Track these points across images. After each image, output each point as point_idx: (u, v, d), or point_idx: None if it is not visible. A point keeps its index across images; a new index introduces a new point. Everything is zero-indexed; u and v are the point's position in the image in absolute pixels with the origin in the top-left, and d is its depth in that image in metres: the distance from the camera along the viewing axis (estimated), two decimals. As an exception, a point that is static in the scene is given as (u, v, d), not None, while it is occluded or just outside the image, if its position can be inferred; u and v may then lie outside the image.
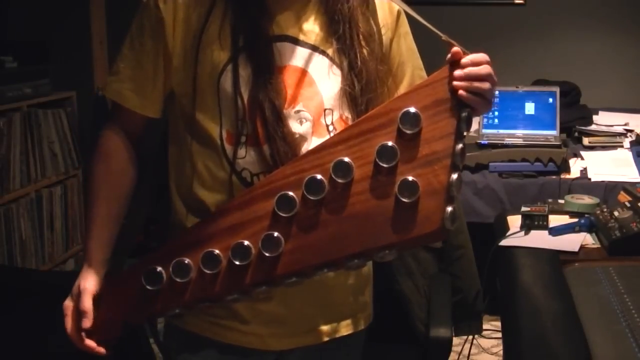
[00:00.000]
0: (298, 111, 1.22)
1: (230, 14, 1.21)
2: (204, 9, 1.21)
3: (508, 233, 1.95)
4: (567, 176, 3.09)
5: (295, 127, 1.21)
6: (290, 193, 1.10)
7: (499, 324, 2.75)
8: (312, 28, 1.24)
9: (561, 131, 3.29)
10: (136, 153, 1.31)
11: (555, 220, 1.99)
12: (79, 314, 1.20)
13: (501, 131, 3.30)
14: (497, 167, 3.13)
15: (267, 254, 1.10)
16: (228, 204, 1.17)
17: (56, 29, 3.47)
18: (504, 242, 1.90)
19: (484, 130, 3.30)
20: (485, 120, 3.33)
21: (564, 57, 4.09)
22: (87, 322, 1.18)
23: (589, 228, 1.92)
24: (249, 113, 1.19)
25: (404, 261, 1.99)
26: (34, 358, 2.05)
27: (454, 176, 1.05)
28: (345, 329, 1.33)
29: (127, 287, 1.19)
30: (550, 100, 3.31)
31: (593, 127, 3.45)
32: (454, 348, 2.08)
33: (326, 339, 1.31)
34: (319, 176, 1.09)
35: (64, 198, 3.42)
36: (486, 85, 1.09)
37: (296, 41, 1.23)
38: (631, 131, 3.43)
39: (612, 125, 3.48)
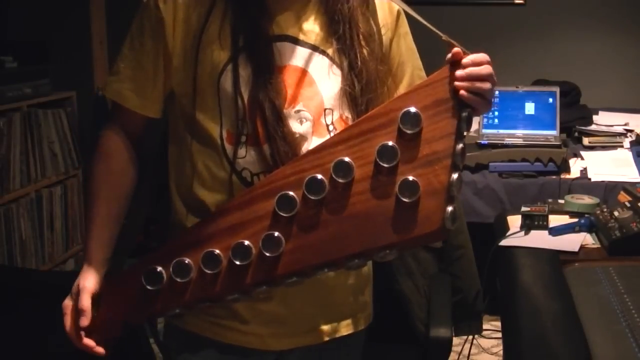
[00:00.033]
0: (298, 111, 1.22)
1: (230, 14, 1.21)
2: (204, 9, 1.21)
3: (508, 233, 1.95)
4: (567, 176, 3.08)
5: (296, 126, 1.21)
6: (291, 193, 1.10)
7: (499, 324, 2.75)
8: (312, 28, 1.24)
9: (561, 131, 3.29)
10: (136, 153, 1.31)
11: (555, 220, 1.99)
12: (77, 312, 1.20)
13: (501, 131, 3.30)
14: (497, 167, 3.13)
15: (267, 254, 1.10)
16: (228, 203, 1.17)
17: (56, 29, 3.47)
18: (504, 242, 1.90)
19: (484, 130, 3.30)
20: (485, 120, 3.33)
21: (564, 57, 4.09)
22: (85, 321, 1.18)
23: (589, 228, 1.92)
24: (249, 113, 1.19)
25: (404, 261, 1.99)
26: (34, 358, 2.05)
27: (455, 176, 1.05)
28: (345, 328, 1.33)
29: (127, 287, 1.19)
30: (550, 100, 3.31)
31: (593, 127, 3.45)
32: (454, 348, 2.08)
33: (326, 338, 1.31)
34: (319, 176, 1.09)
35: (64, 198, 3.42)
36: (487, 85, 1.09)
37: (296, 41, 1.23)
38: (631, 131, 3.43)
39: (612, 125, 3.48)
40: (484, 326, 2.59)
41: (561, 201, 2.15)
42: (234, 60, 1.20)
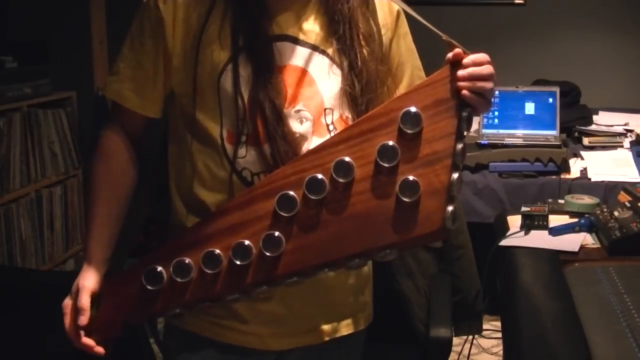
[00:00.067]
0: (298, 110, 1.22)
1: (230, 13, 1.21)
2: (203, 9, 1.21)
3: (508, 233, 1.95)
4: (567, 176, 3.08)
5: (296, 126, 1.21)
6: (291, 193, 1.10)
7: (499, 324, 2.75)
8: (312, 28, 1.24)
9: (561, 131, 3.29)
10: (136, 153, 1.31)
11: (555, 220, 1.99)
12: (76, 311, 1.20)
13: (501, 131, 3.30)
14: (497, 167, 3.13)
15: (268, 254, 1.10)
16: (228, 203, 1.17)
17: (56, 29, 3.47)
18: (504, 242, 1.90)
19: (484, 130, 3.30)
20: (485, 120, 3.33)
21: (564, 57, 4.09)
22: (84, 319, 1.18)
23: (589, 228, 1.92)
24: (249, 112, 1.19)
25: (404, 261, 1.99)
26: (34, 358, 2.05)
27: (455, 176, 1.05)
28: (345, 328, 1.33)
29: (127, 287, 1.19)
30: (550, 100, 3.31)
31: (593, 127, 3.45)
32: (454, 348, 2.08)
33: (326, 338, 1.31)
34: (319, 176, 1.09)
35: (64, 198, 3.42)
36: (489, 84, 1.10)
37: (296, 41, 1.23)
38: (631, 131, 3.43)
39: (612, 125, 3.48)
40: (484, 326, 2.59)
41: (561, 201, 2.15)
42: (234, 60, 1.20)
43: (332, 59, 1.25)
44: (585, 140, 3.34)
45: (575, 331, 1.35)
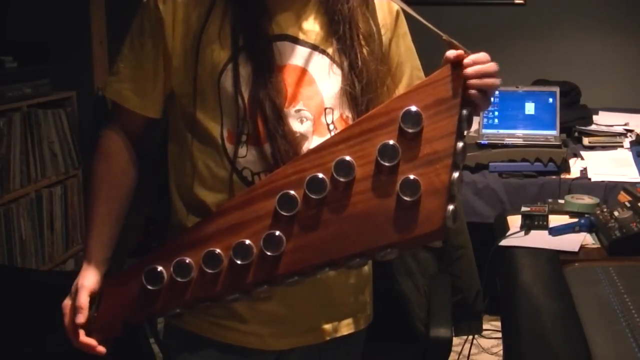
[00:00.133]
0: (298, 110, 1.22)
1: (230, 13, 1.21)
2: (203, 8, 1.21)
3: (508, 233, 1.95)
4: (567, 176, 3.09)
5: (296, 126, 1.21)
6: (292, 192, 1.10)
7: (499, 324, 2.75)
8: (312, 27, 1.25)
9: (561, 131, 3.30)
10: (136, 153, 1.31)
11: (555, 220, 1.99)
12: (75, 310, 1.19)
13: (501, 131, 3.30)
14: (497, 167, 3.13)
15: (268, 253, 1.10)
16: (229, 203, 1.17)
17: (56, 29, 3.47)
18: (504, 242, 1.90)
19: (484, 130, 3.30)
20: (485, 120, 3.33)
21: (564, 57, 4.10)
22: (81, 318, 1.17)
23: (589, 228, 1.92)
24: (249, 112, 1.20)
25: (404, 261, 1.99)
26: (34, 358, 2.05)
27: (455, 175, 1.05)
28: (345, 328, 1.33)
29: (127, 286, 1.19)
30: (550, 100, 3.31)
31: (593, 127, 3.46)
32: (454, 348, 2.08)
33: (326, 338, 1.31)
34: (320, 175, 1.09)
35: (64, 198, 3.42)
36: (497, 81, 1.10)
37: (296, 40, 1.23)
38: (631, 131, 3.43)
39: (612, 125, 3.48)
40: (484, 326, 2.59)
41: (561, 201, 2.15)
42: (234, 60, 1.20)
43: (332, 58, 1.25)
44: (585, 140, 3.34)
45: (575, 331, 1.35)
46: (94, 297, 1.21)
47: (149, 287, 1.16)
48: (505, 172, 3.12)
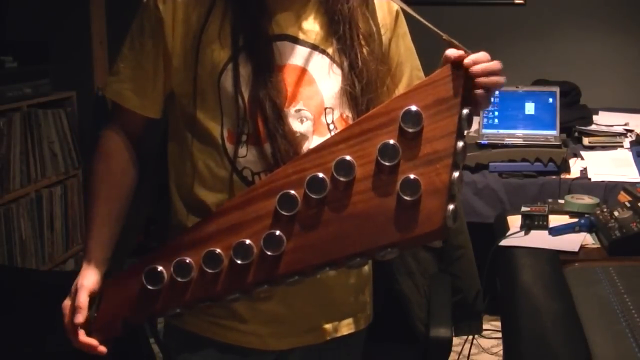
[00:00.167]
0: (298, 110, 1.22)
1: (230, 13, 1.21)
2: (203, 9, 1.21)
3: (508, 233, 1.95)
4: (567, 176, 3.09)
5: (296, 125, 1.21)
6: (292, 192, 1.10)
7: (499, 324, 2.75)
8: (312, 27, 1.25)
9: (561, 131, 3.30)
10: (136, 153, 1.31)
11: (555, 220, 1.99)
12: (74, 310, 1.19)
13: (501, 131, 3.30)
14: (497, 167, 3.13)
15: (269, 253, 1.10)
16: (229, 203, 1.17)
17: (56, 29, 3.47)
18: (504, 242, 1.90)
19: (484, 130, 3.30)
20: (485, 120, 3.33)
21: (564, 57, 4.10)
22: (80, 318, 1.17)
23: (589, 228, 1.92)
24: (249, 112, 1.20)
25: (404, 261, 1.99)
26: (34, 358, 2.05)
27: (455, 175, 1.05)
28: (345, 328, 1.33)
29: (127, 286, 1.19)
30: (550, 100, 3.31)
31: (593, 127, 3.46)
32: (454, 348, 2.08)
33: (326, 338, 1.31)
34: (320, 175, 1.09)
35: (64, 198, 3.42)
36: (502, 79, 1.10)
37: (296, 40, 1.23)
38: (631, 131, 3.43)
39: (612, 125, 3.48)
40: (484, 326, 2.59)
41: (561, 201, 2.15)
42: (234, 60, 1.20)
43: (332, 58, 1.25)
44: (585, 140, 3.34)
45: (575, 331, 1.35)
46: (94, 297, 1.20)
47: (149, 287, 1.16)
48: (505, 172, 3.12)
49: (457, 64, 1.09)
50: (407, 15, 1.31)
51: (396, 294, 1.96)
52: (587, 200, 2.10)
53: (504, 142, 3.20)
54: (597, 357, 1.25)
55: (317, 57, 1.24)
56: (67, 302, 1.22)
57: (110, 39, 3.60)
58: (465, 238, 2.17)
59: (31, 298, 2.07)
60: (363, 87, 1.24)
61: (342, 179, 1.08)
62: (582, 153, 3.25)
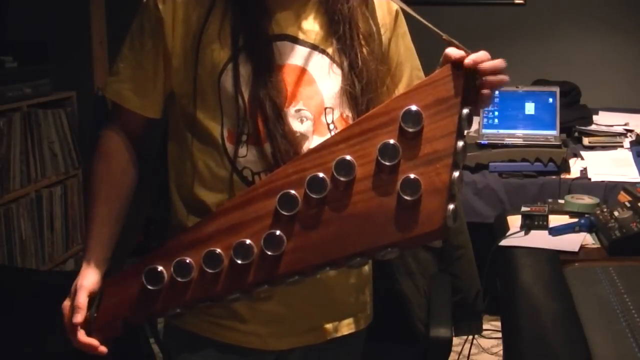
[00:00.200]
0: (298, 110, 1.22)
1: (230, 13, 1.21)
2: (203, 9, 1.21)
3: (508, 233, 1.95)
4: (567, 176, 3.09)
5: (296, 125, 1.21)
6: (292, 191, 1.10)
7: (499, 324, 2.75)
8: (311, 27, 1.25)
9: (561, 131, 3.30)
10: (136, 153, 1.31)
11: (555, 220, 1.99)
12: (72, 310, 1.19)
13: (501, 131, 3.30)
14: (497, 167, 3.13)
15: (269, 253, 1.10)
16: (229, 203, 1.17)
17: (56, 29, 3.47)
18: (504, 242, 1.90)
19: (484, 130, 3.31)
20: (485, 120, 3.33)
21: (564, 57, 4.10)
22: (79, 317, 1.17)
23: (589, 228, 1.92)
24: (249, 111, 1.20)
25: (404, 261, 1.99)
26: (34, 358, 2.05)
27: (456, 174, 1.05)
28: (345, 328, 1.33)
29: (127, 286, 1.19)
30: (550, 100, 3.31)
31: (593, 127, 3.46)
32: (454, 348, 2.08)
33: (327, 338, 1.31)
34: (321, 174, 1.09)
35: (64, 198, 3.42)
36: (507, 78, 1.10)
37: (295, 40, 1.23)
38: (631, 131, 3.43)
39: (612, 125, 3.48)
40: (484, 326, 2.59)
41: (561, 201, 2.15)
42: (234, 60, 1.20)
43: (332, 58, 1.25)
44: (585, 140, 3.34)
45: (575, 331, 1.35)
46: (94, 297, 1.20)
47: (149, 287, 1.16)
48: (505, 172, 3.12)
49: (457, 64, 1.09)
50: (407, 15, 1.31)
51: (396, 294, 1.96)
52: (587, 200, 2.10)
53: (504, 142, 3.20)
54: (597, 357, 1.25)
55: (317, 57, 1.24)
56: (66, 303, 1.22)
57: (110, 39, 3.60)
58: (465, 238, 2.17)
59: (31, 298, 2.07)
60: (363, 86, 1.24)
61: (342, 178, 1.08)
62: (582, 153, 3.25)
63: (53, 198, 3.34)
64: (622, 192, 2.10)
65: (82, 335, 1.17)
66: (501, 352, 2.79)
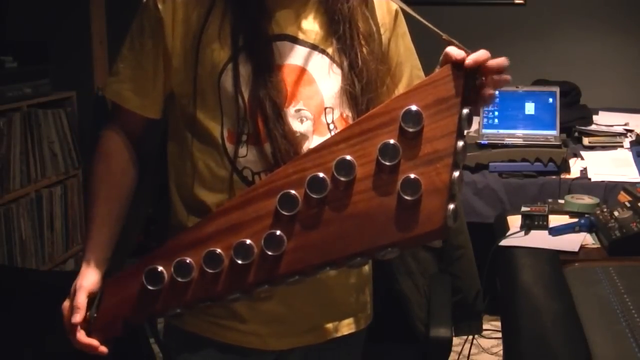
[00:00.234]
0: (298, 110, 1.22)
1: (230, 13, 1.21)
2: (203, 9, 1.21)
3: (508, 233, 1.95)
4: (567, 176, 3.09)
5: (296, 125, 1.21)
6: (293, 191, 1.10)
7: (499, 324, 2.75)
8: (311, 27, 1.25)
9: (561, 131, 3.30)
10: (136, 153, 1.31)
11: (555, 220, 1.99)
12: (72, 310, 1.19)
13: (501, 131, 3.30)
14: (497, 167, 3.13)
15: (269, 253, 1.10)
16: (229, 203, 1.16)
17: (56, 29, 3.47)
18: (504, 242, 1.90)
19: (484, 130, 3.30)
20: (485, 120, 3.33)
21: (564, 57, 4.10)
22: (78, 318, 1.17)
23: (589, 228, 1.92)
24: (249, 111, 1.20)
25: (403, 261, 1.99)
26: (34, 358, 2.05)
27: (456, 174, 1.05)
28: (346, 328, 1.33)
29: (127, 287, 1.19)
30: (550, 100, 3.31)
31: (593, 127, 3.46)
32: (454, 348, 2.08)
33: (327, 338, 1.31)
34: (321, 174, 1.09)
35: (64, 198, 3.42)
36: (509, 77, 1.10)
37: (295, 40, 1.23)
38: (631, 131, 3.44)
39: (612, 125, 3.48)
40: (484, 326, 2.58)
41: (561, 201, 2.15)
42: (234, 60, 1.20)
43: (332, 58, 1.25)
44: (585, 140, 3.34)
45: (575, 331, 1.35)
46: (94, 298, 1.20)
47: (150, 287, 1.15)
48: (505, 172, 3.12)
49: (457, 64, 1.09)
50: (407, 15, 1.31)
51: (396, 294, 1.96)
52: (587, 200, 2.10)
53: (504, 142, 3.20)
54: (597, 357, 1.25)
55: (317, 56, 1.24)
56: (66, 303, 1.22)
57: (110, 39, 3.60)
58: (465, 238, 2.17)
59: (31, 298, 2.07)
60: (363, 86, 1.24)
61: (342, 178, 1.08)
62: (582, 153, 3.25)
63: (53, 198, 3.34)
64: (622, 192, 2.10)
65: (81, 336, 1.17)
66: (501, 352, 2.79)
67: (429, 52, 1.42)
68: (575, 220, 1.96)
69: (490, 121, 3.33)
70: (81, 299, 1.18)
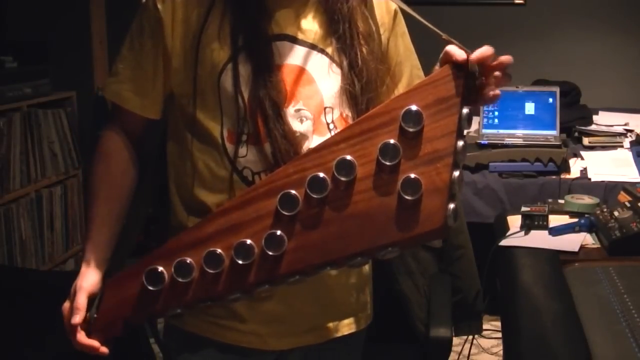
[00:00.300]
0: (298, 110, 1.22)
1: (229, 13, 1.21)
2: (203, 9, 1.21)
3: (508, 233, 1.95)
4: (567, 176, 3.09)
5: (296, 125, 1.21)
6: (293, 191, 1.10)
7: (499, 324, 2.75)
8: (311, 27, 1.25)
9: (561, 131, 3.30)
10: (136, 153, 1.31)
11: (555, 220, 1.99)
12: (71, 311, 1.19)
13: (501, 131, 3.30)
14: (497, 167, 3.13)
15: (270, 253, 1.09)
16: (229, 203, 1.16)
17: (56, 29, 3.47)
18: (504, 242, 1.90)
19: (484, 130, 3.30)
20: (485, 120, 3.33)
21: (564, 57, 4.10)
22: (78, 319, 1.16)
23: (589, 228, 1.92)
24: (249, 111, 1.19)
25: (404, 261, 1.99)
26: (34, 358, 2.05)
27: (456, 174, 1.05)
28: (346, 328, 1.33)
29: (127, 287, 1.19)
30: (550, 100, 3.31)
31: (593, 127, 3.46)
32: (454, 348, 2.08)
33: (327, 338, 1.31)
34: (321, 174, 1.09)
35: (64, 198, 3.42)
36: (510, 76, 1.09)
37: (294, 40, 1.23)
38: (631, 131, 3.44)
39: (612, 125, 3.49)
40: (484, 326, 2.58)
41: (561, 201, 2.15)
42: (234, 60, 1.20)
43: (331, 58, 1.25)
44: (585, 140, 3.34)
45: (575, 331, 1.35)
46: (94, 298, 1.20)
47: (150, 287, 1.15)
48: (505, 172, 3.12)
49: (457, 64, 1.09)
50: (406, 15, 1.31)
51: (396, 294, 1.96)
52: (587, 200, 2.10)
53: (504, 142, 3.20)
54: (597, 357, 1.25)
55: (316, 56, 1.24)
56: (66, 304, 1.21)
57: (110, 39, 3.60)
58: (465, 238, 2.17)
59: (31, 298, 2.07)
60: (363, 86, 1.24)
61: (343, 178, 1.08)
62: (582, 153, 3.25)
63: (53, 198, 3.34)
64: (622, 192, 2.10)
65: (82, 337, 1.17)
66: (501, 352, 2.79)
67: (429, 52, 1.41)
68: (575, 220, 1.96)
69: (490, 121, 3.33)
70: (81, 300, 1.18)
